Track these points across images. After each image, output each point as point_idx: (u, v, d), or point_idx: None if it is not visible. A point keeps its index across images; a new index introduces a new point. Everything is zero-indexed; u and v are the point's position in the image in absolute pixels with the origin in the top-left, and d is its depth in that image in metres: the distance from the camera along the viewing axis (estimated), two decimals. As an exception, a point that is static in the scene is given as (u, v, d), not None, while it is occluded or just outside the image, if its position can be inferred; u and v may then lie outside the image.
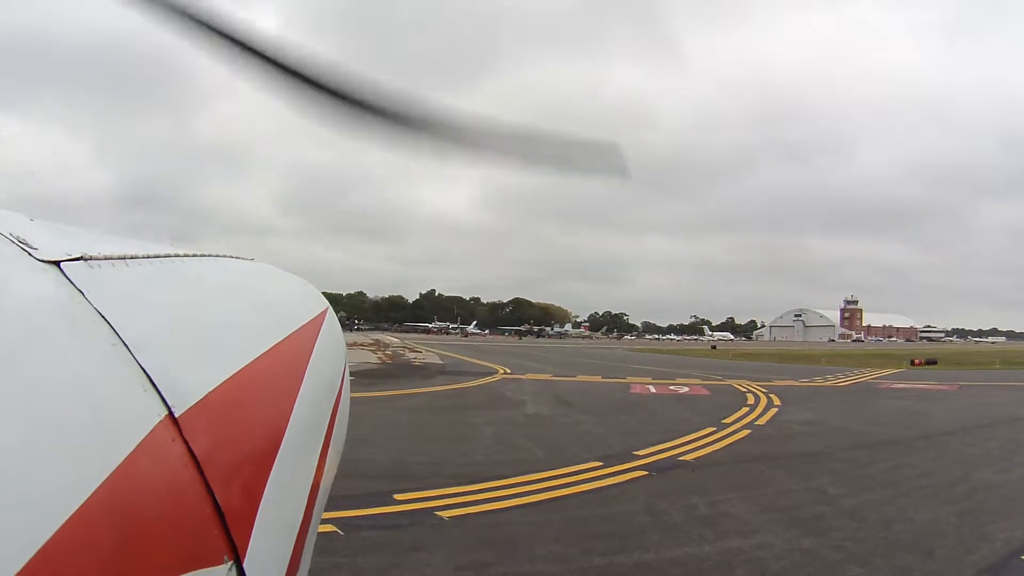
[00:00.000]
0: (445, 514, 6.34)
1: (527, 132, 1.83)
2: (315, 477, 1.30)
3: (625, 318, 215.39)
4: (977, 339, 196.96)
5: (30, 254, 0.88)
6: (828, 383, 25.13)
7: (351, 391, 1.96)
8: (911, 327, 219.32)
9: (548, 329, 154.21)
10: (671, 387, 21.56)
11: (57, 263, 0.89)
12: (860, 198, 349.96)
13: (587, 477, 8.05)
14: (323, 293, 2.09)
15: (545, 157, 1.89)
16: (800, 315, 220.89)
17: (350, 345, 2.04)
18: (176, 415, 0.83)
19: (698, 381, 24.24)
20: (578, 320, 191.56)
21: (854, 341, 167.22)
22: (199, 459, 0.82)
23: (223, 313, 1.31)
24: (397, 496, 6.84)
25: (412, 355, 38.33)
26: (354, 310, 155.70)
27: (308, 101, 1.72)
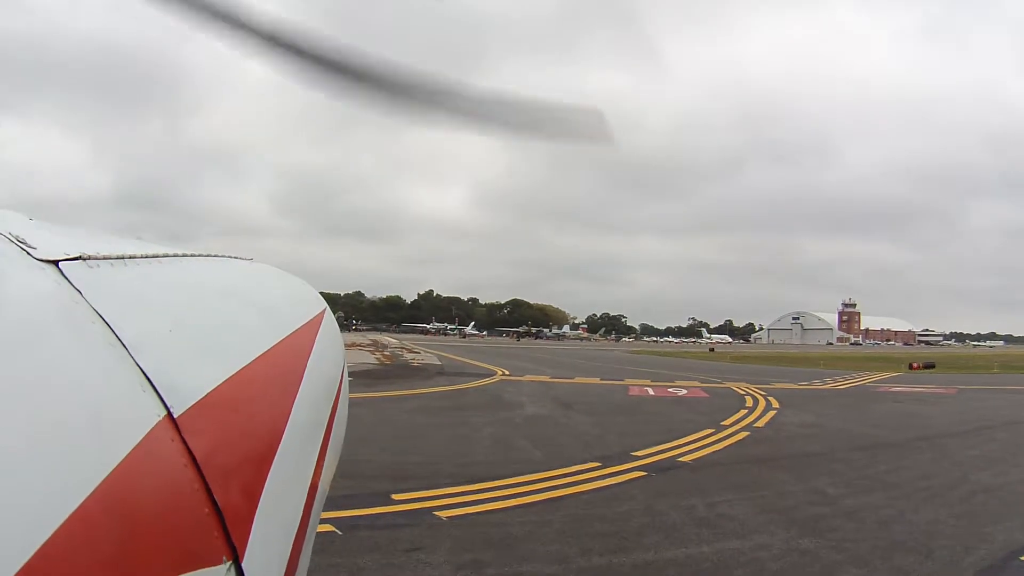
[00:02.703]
0: (443, 514, 6.33)
1: (509, 98, 1.91)
2: (313, 477, 1.30)
3: (623, 320, 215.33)
4: (975, 343, 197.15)
5: (29, 253, 0.87)
6: (827, 386, 25.16)
7: (349, 391, 1.96)
8: (909, 330, 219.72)
9: (546, 330, 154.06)
10: (669, 389, 21.57)
11: (56, 263, 0.89)
12: (857, 199, 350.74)
13: (586, 478, 8.05)
14: (321, 293, 2.08)
15: (528, 123, 1.97)
16: (798, 318, 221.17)
17: (348, 345, 2.04)
18: (175, 415, 0.82)
19: (696, 383, 24.25)
20: (576, 321, 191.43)
21: (852, 344, 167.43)
22: (198, 459, 0.82)
23: (222, 313, 1.30)
24: (395, 496, 6.83)
25: (410, 356, 38.29)
26: (352, 310, 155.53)
27: (298, 67, 1.79)
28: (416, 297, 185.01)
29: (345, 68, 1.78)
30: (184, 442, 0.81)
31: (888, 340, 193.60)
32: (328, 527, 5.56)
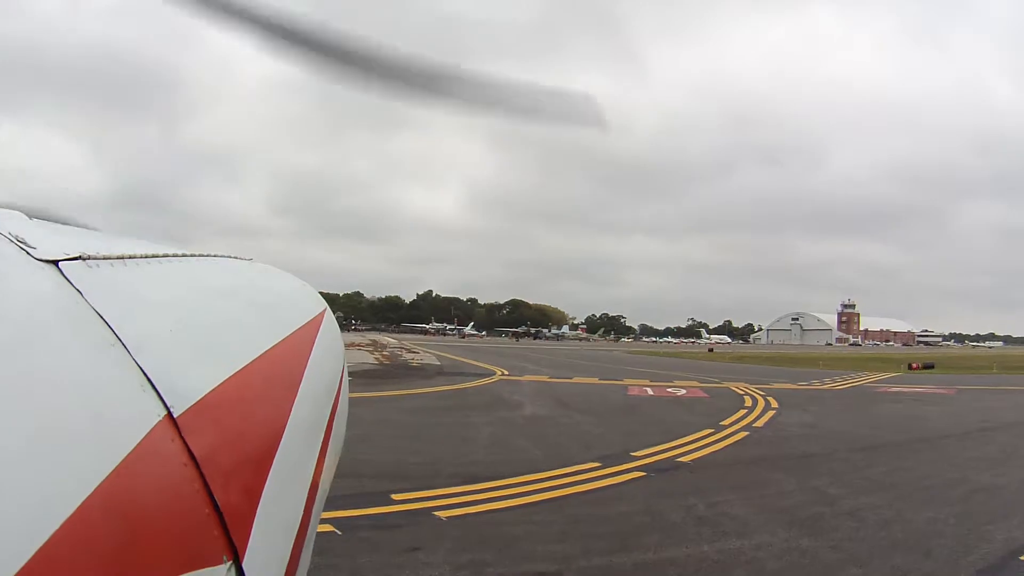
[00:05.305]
0: (443, 514, 6.33)
1: (503, 81, 1.90)
2: (314, 477, 1.30)
3: (622, 320, 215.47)
4: (975, 343, 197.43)
5: (28, 253, 0.87)
6: (826, 386, 25.17)
7: (349, 391, 1.96)
8: (908, 331, 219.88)
9: (545, 331, 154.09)
10: (668, 389, 21.56)
11: (55, 262, 0.89)
12: (855, 201, 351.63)
13: (586, 478, 8.05)
14: (320, 293, 2.08)
15: (518, 106, 1.97)
16: (798, 318, 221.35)
17: (347, 345, 2.04)
18: (175, 415, 0.82)
19: (696, 384, 24.26)
20: (575, 322, 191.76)
21: (851, 345, 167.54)
22: (198, 459, 0.82)
23: (222, 313, 1.30)
24: (395, 496, 6.83)
25: (409, 356, 38.29)
26: (351, 310, 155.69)
27: (299, 56, 1.79)
28: (415, 297, 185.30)
29: (342, 52, 1.77)
30: (184, 442, 0.81)
31: (887, 341, 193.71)
32: (328, 527, 5.55)
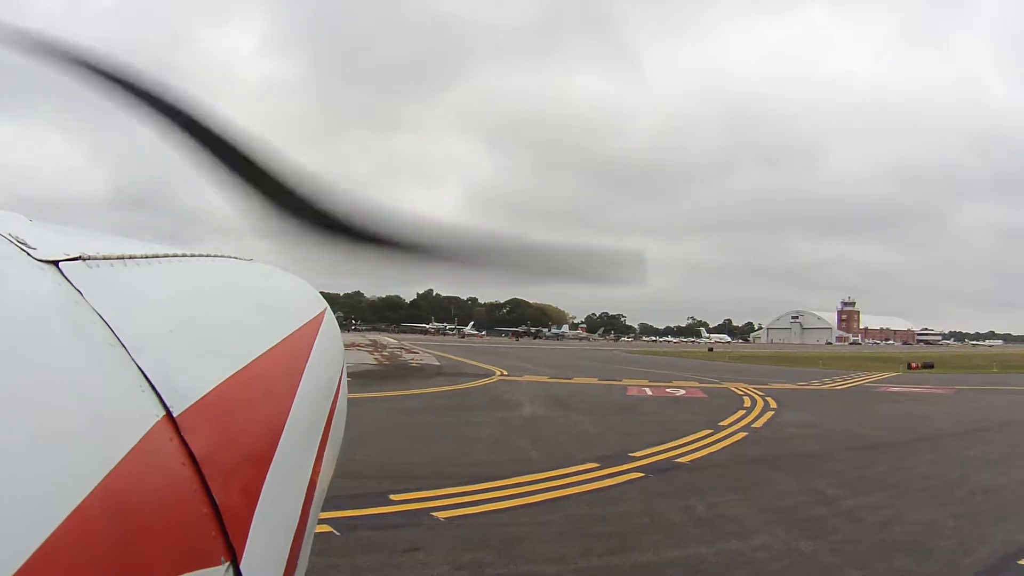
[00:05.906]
0: (441, 515, 6.34)
1: (547, 249, 1.73)
2: (312, 477, 1.30)
3: (622, 319, 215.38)
4: (975, 342, 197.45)
5: (28, 254, 0.87)
6: (825, 386, 25.18)
7: (348, 392, 1.96)
8: (908, 330, 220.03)
9: (545, 330, 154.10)
10: (667, 389, 21.56)
11: (55, 263, 0.89)
12: (856, 201, 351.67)
13: (585, 478, 8.05)
14: (320, 292, 2.08)
15: (569, 270, 1.79)
16: (798, 317, 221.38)
17: (347, 345, 2.04)
18: (174, 415, 0.82)
19: (695, 384, 24.26)
20: (575, 321, 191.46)
21: (851, 344, 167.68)
22: (197, 459, 0.82)
23: (222, 313, 1.30)
24: (393, 497, 6.83)
25: (409, 356, 38.29)
26: (351, 310, 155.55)
27: (274, 209, 1.62)
28: (416, 296, 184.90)
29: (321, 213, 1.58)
30: (183, 442, 0.82)
31: (887, 339, 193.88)
32: (326, 527, 5.56)
